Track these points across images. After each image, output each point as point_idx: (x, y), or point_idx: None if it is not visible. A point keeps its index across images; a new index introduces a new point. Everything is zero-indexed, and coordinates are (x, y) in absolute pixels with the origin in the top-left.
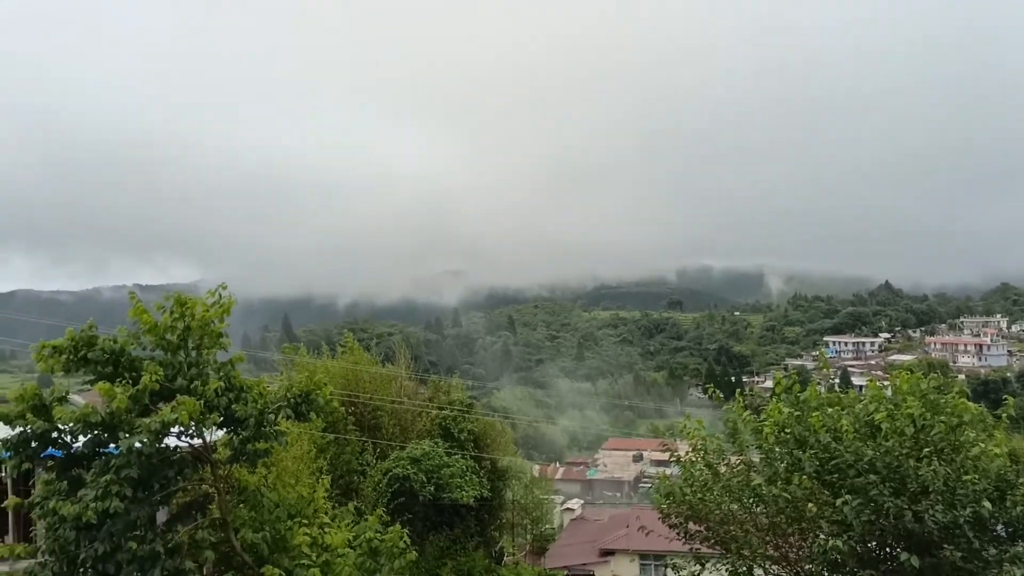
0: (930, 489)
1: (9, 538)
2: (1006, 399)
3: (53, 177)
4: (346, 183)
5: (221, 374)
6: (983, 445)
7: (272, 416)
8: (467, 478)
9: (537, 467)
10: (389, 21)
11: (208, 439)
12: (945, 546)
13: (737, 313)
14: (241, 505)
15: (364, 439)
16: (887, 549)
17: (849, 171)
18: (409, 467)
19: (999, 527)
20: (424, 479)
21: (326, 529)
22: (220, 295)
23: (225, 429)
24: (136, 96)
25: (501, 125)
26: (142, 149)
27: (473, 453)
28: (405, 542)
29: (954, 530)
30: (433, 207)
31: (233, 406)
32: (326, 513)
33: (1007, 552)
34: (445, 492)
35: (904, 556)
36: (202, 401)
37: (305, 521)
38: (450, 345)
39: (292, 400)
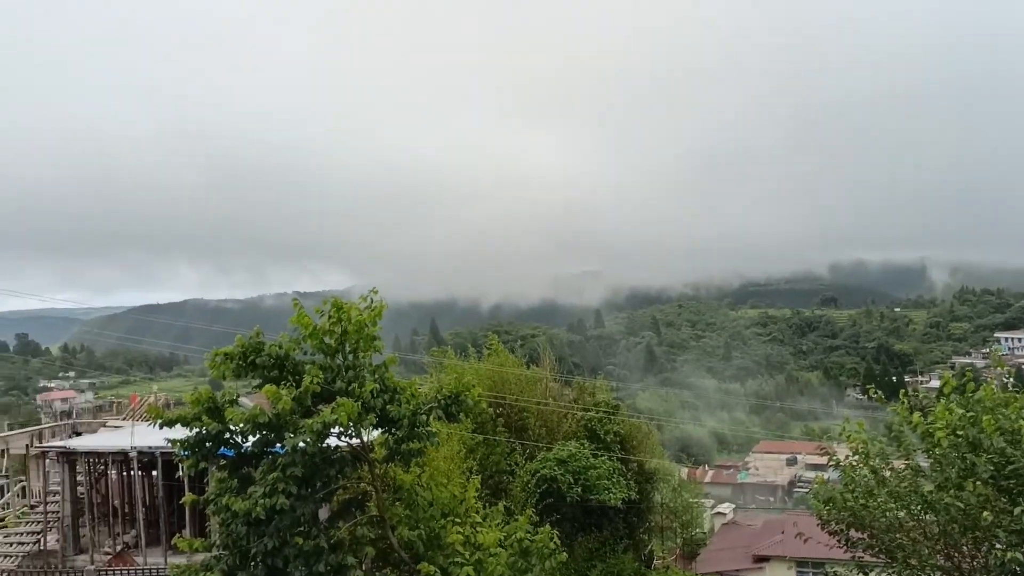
0: None
1: (187, 532)
2: None
3: (213, 191)
4: (483, 186)
5: (376, 376)
6: None
7: (424, 417)
8: (614, 480)
9: (685, 470)
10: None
11: (365, 439)
12: None
13: (897, 309)
14: (397, 503)
15: (512, 440)
16: None
17: (1012, 150)
18: (556, 468)
19: None
20: (571, 480)
21: (478, 528)
22: (372, 300)
23: (381, 429)
24: (283, 110)
25: (637, 121)
26: (291, 161)
27: (619, 455)
28: (555, 543)
29: None
30: (570, 207)
31: (388, 407)
32: (477, 512)
33: None
34: (592, 493)
35: None
36: (359, 402)
37: (458, 520)
38: (593, 346)
39: (443, 401)
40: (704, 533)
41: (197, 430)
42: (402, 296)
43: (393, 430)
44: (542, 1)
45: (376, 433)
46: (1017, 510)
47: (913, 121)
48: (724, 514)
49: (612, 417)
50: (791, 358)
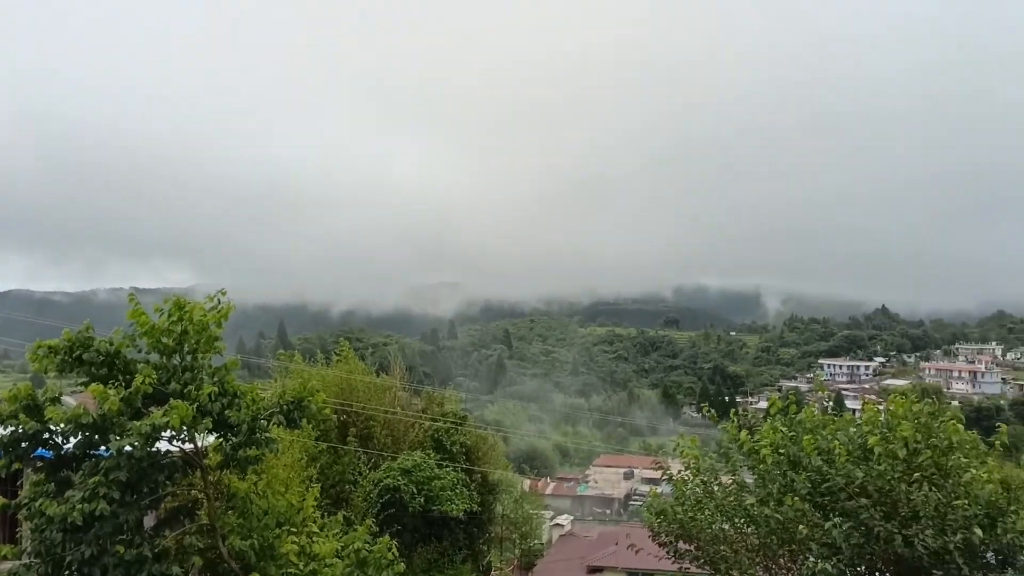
0: (921, 514)
1: None
2: (999, 426)
3: (51, 177)
4: (343, 193)
5: (215, 379)
6: (975, 471)
7: (264, 423)
8: (457, 491)
9: (528, 482)
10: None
11: (199, 444)
12: (934, 572)
13: (733, 333)
14: (230, 512)
15: (357, 449)
16: (876, 573)
17: (847, 193)
18: (400, 478)
19: (989, 554)
20: (415, 491)
21: (314, 538)
22: (219, 300)
23: (217, 434)
24: (136, 99)
25: (503, 139)
26: (141, 152)
27: (464, 466)
28: (393, 553)
29: (944, 556)
30: (431, 218)
31: (226, 412)
32: (315, 522)
33: None
34: (435, 504)
35: None
36: (195, 406)
37: (294, 529)
38: (445, 357)
39: (284, 407)
40: (542, 544)
41: (12, 429)
42: (250, 298)
43: (230, 436)
44: (417, 13)
45: (212, 439)
46: (828, 524)
47: (762, 160)
48: (562, 525)
49: (459, 428)
50: (634, 375)
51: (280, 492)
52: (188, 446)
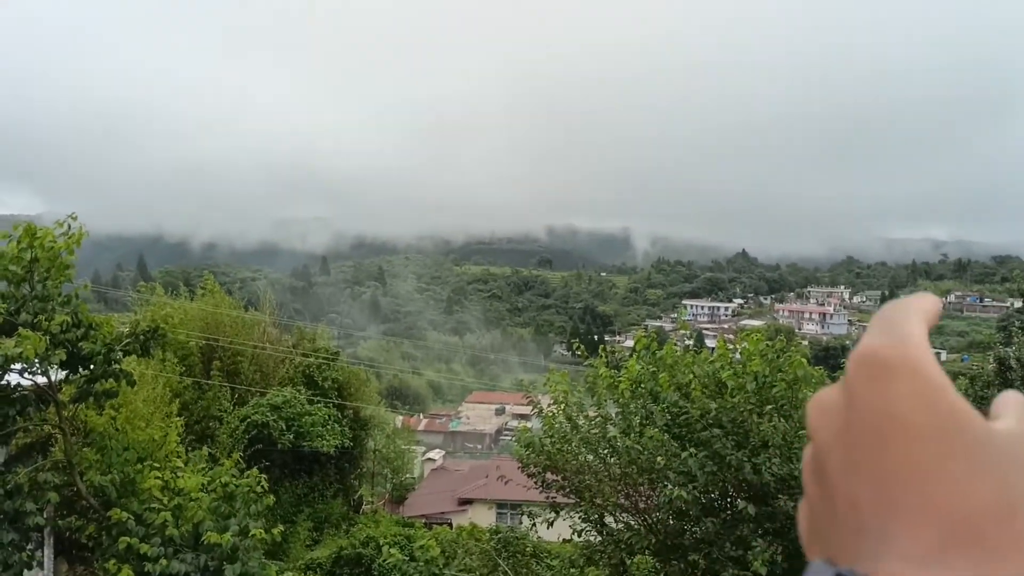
0: (769, 443)
1: None
2: (843, 363)
3: None
4: (201, 118)
5: (68, 309)
6: None
7: (120, 354)
8: (328, 427)
9: (400, 418)
10: None
11: (53, 377)
12: (780, 496)
13: (604, 274)
14: (87, 447)
15: (223, 384)
16: (728, 499)
17: (711, 139)
18: (269, 414)
19: None
20: (284, 427)
21: (178, 473)
22: (69, 226)
23: (71, 368)
24: None
25: (373, 71)
26: None
27: (336, 402)
28: (262, 486)
29: (789, 481)
30: (297, 150)
31: (80, 343)
32: (179, 457)
33: None
34: (305, 440)
35: (742, 504)
36: (47, 336)
37: (156, 464)
38: (317, 293)
39: (139, 336)
40: (414, 479)
41: None
42: (103, 227)
43: (85, 368)
44: None
45: (65, 372)
46: (684, 454)
47: (630, 103)
48: (434, 460)
49: (331, 364)
50: (508, 314)
51: (141, 427)
52: (40, 379)
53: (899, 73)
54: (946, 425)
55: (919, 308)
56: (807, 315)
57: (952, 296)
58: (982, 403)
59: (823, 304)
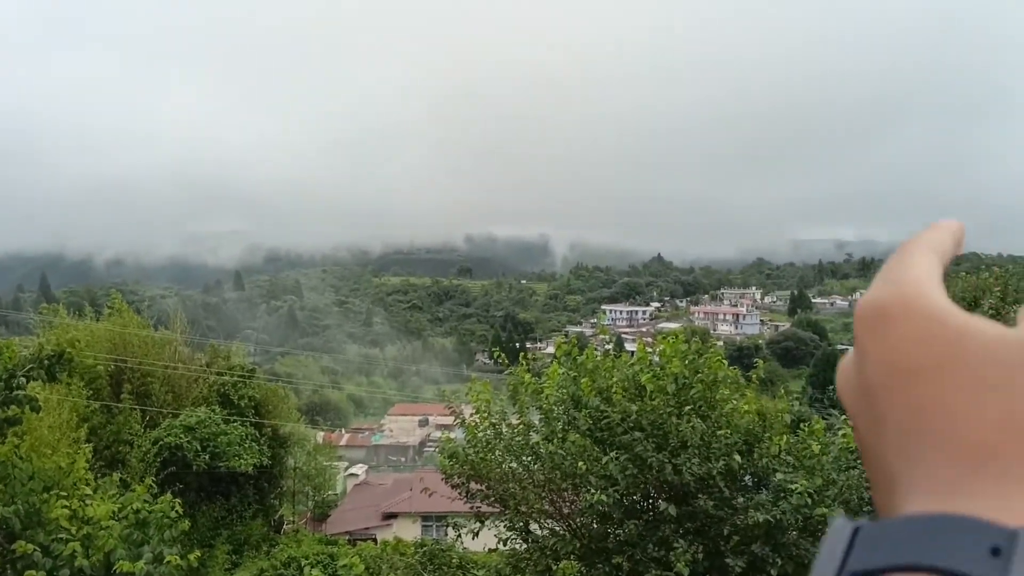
0: (688, 444)
1: None
2: (756, 363)
3: None
4: (103, 132)
5: None
6: (735, 402)
7: (23, 379)
8: (246, 446)
9: (321, 434)
10: None
11: None
12: (700, 495)
13: (523, 281)
14: None
15: (133, 407)
16: (649, 500)
17: (627, 145)
18: (182, 435)
19: (747, 477)
20: (199, 447)
21: (88, 501)
22: None
23: None
24: None
25: (284, 83)
26: None
27: (253, 420)
28: (177, 511)
29: (708, 481)
30: (206, 164)
31: None
32: (88, 484)
33: (752, 499)
34: (222, 460)
35: (663, 505)
36: None
37: (64, 493)
38: (231, 309)
39: (44, 361)
40: (336, 495)
41: None
42: (1, 246)
43: None
44: None
45: None
46: (605, 458)
47: (545, 112)
48: (357, 475)
49: (247, 382)
50: (428, 324)
51: (47, 455)
52: None
53: (803, 78)
54: (946, 359)
55: (925, 241)
56: (721, 316)
57: (858, 293)
58: None
59: (736, 305)
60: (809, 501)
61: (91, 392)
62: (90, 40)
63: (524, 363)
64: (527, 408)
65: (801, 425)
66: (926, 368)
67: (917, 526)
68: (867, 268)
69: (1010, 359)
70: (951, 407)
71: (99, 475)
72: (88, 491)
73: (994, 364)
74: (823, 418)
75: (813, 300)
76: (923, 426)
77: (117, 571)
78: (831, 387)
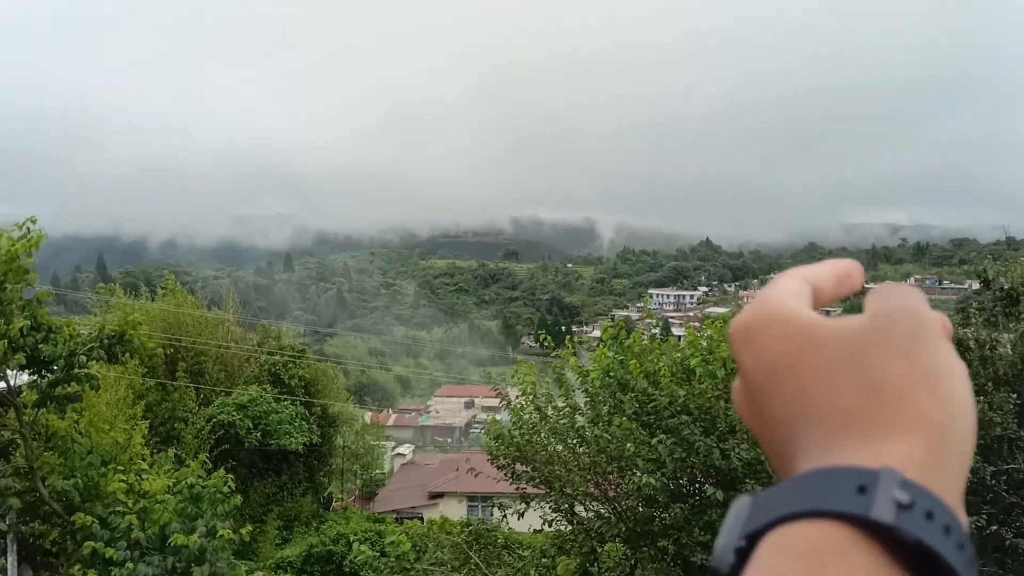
0: (736, 429)
1: None
2: None
3: None
4: (156, 117)
5: (27, 313)
6: None
7: (83, 358)
8: (296, 424)
9: (369, 414)
10: None
11: (12, 382)
12: (747, 480)
13: (570, 265)
14: (49, 452)
15: (187, 384)
16: (696, 484)
17: (674, 129)
18: (235, 413)
19: None
20: (251, 425)
21: (144, 476)
22: (28, 228)
23: (31, 371)
24: None
25: (328, 68)
26: None
27: (303, 399)
28: (229, 487)
29: (756, 466)
30: (255, 147)
31: (40, 346)
32: (144, 459)
33: None
34: (273, 439)
35: (711, 490)
36: (6, 341)
37: (121, 468)
38: (281, 290)
39: (105, 341)
40: (384, 474)
41: None
42: (59, 228)
43: (46, 372)
44: None
45: (26, 376)
46: (654, 440)
47: (592, 94)
48: (404, 455)
49: (297, 362)
50: (475, 307)
51: (105, 430)
52: (0, 384)
53: (856, 60)
54: (801, 351)
55: (796, 270)
56: None
57: (912, 279)
58: None
59: None
60: None
61: (147, 370)
62: (140, 27)
63: (570, 346)
64: (572, 391)
65: None
66: (787, 363)
67: (798, 483)
68: (921, 253)
69: (851, 340)
70: (814, 388)
71: (154, 451)
72: (144, 466)
73: (839, 347)
74: None
75: (865, 286)
76: (797, 410)
77: (172, 543)
78: None
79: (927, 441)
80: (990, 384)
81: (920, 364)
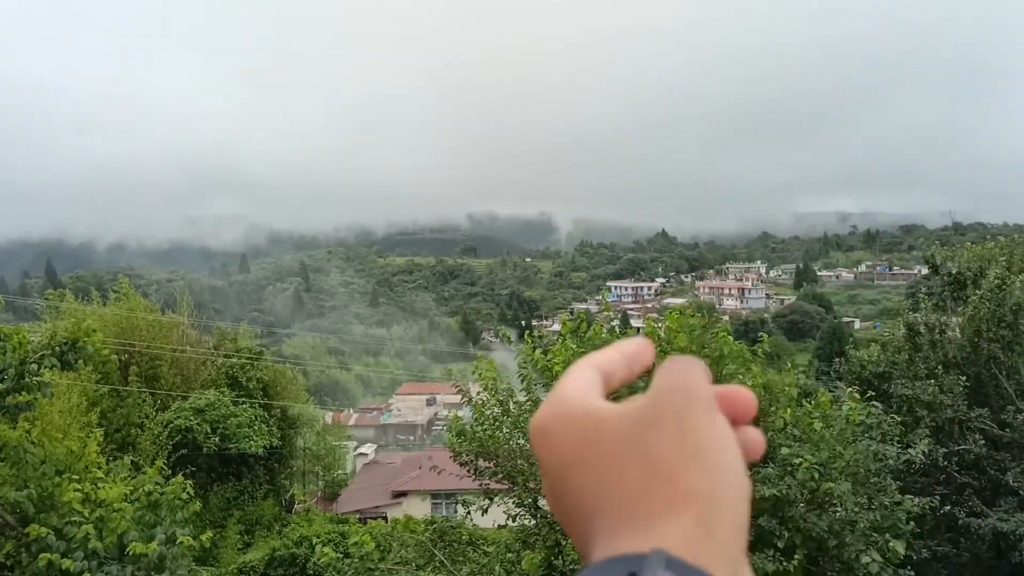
0: None
1: None
2: (762, 337)
3: None
4: (98, 116)
5: None
6: (742, 377)
7: (34, 366)
8: (255, 427)
9: (330, 414)
10: None
11: None
12: None
13: (528, 259)
14: (1, 463)
15: (142, 390)
16: None
17: (627, 122)
18: (192, 418)
19: None
20: (209, 430)
21: (100, 484)
22: None
23: None
24: None
25: (278, 65)
26: None
27: (262, 401)
28: (188, 493)
29: None
30: (204, 146)
31: None
32: (99, 468)
33: (759, 474)
34: (232, 442)
35: None
36: None
37: (76, 477)
38: (237, 292)
39: (57, 348)
40: (346, 474)
41: None
42: (3, 232)
43: None
44: None
45: None
46: None
47: (543, 88)
48: (366, 455)
49: (255, 364)
50: (434, 304)
51: (58, 439)
52: None
53: (799, 49)
54: (589, 447)
55: (587, 359)
56: (726, 291)
57: (863, 266)
58: (894, 367)
59: (741, 280)
60: (816, 475)
61: (100, 376)
62: (84, 24)
63: (530, 340)
64: (534, 385)
65: (807, 399)
66: (579, 458)
67: (584, 574)
68: (872, 240)
69: (633, 424)
70: (604, 478)
71: (110, 458)
72: (100, 474)
73: (623, 433)
74: (829, 391)
75: (818, 273)
76: (593, 501)
77: (130, 552)
78: (837, 360)
79: (696, 515)
80: (940, 367)
81: (689, 441)
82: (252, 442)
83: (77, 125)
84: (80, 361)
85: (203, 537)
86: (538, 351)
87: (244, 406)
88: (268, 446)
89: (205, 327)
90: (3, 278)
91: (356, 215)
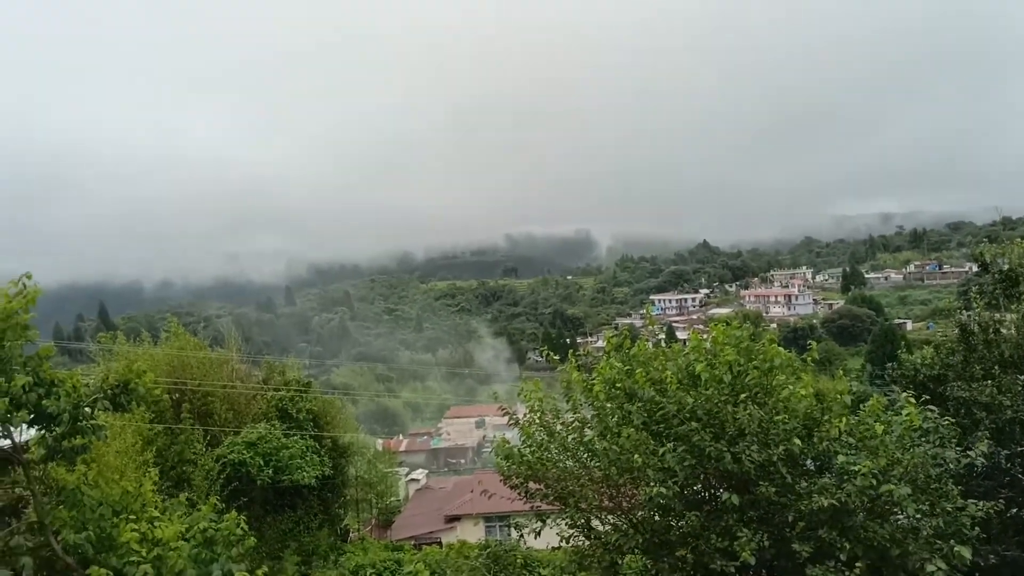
0: (746, 431)
1: None
2: (811, 344)
3: None
4: (136, 163)
5: (28, 369)
6: (792, 387)
7: (88, 409)
8: (307, 458)
9: (380, 441)
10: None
11: (17, 439)
12: (761, 483)
13: (569, 277)
14: (60, 506)
15: (195, 427)
16: (710, 490)
17: (660, 135)
18: (245, 452)
19: (808, 462)
20: (261, 463)
21: (156, 523)
22: (24, 284)
23: (36, 427)
24: None
25: (308, 103)
26: None
27: (313, 432)
28: (243, 528)
29: (769, 467)
30: (242, 185)
31: (43, 401)
32: (155, 507)
33: (815, 484)
34: (284, 474)
35: (725, 495)
36: (7, 399)
37: (133, 517)
38: (284, 324)
39: (109, 391)
40: (399, 501)
41: None
42: (54, 278)
43: (51, 426)
44: None
45: (32, 432)
46: (662, 450)
47: (574, 106)
48: (418, 480)
49: (304, 395)
50: (478, 326)
51: (115, 480)
52: (5, 442)
53: (828, 51)
54: None
55: None
56: (773, 298)
57: (912, 266)
58: (948, 369)
59: (787, 286)
60: (874, 482)
61: (153, 415)
62: (118, 71)
63: (573, 359)
64: (580, 405)
65: (861, 405)
66: None
67: None
68: (918, 239)
69: None
70: None
71: (166, 496)
72: (156, 513)
73: None
74: (884, 395)
75: (866, 276)
76: None
77: None
78: (891, 363)
79: None
80: (997, 367)
81: None
82: (304, 473)
83: (114, 168)
84: (131, 402)
85: (259, 572)
86: (576, 373)
87: (295, 438)
88: (321, 476)
89: (254, 361)
90: (58, 322)
91: (396, 242)
